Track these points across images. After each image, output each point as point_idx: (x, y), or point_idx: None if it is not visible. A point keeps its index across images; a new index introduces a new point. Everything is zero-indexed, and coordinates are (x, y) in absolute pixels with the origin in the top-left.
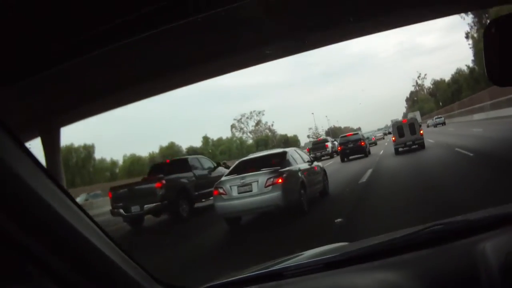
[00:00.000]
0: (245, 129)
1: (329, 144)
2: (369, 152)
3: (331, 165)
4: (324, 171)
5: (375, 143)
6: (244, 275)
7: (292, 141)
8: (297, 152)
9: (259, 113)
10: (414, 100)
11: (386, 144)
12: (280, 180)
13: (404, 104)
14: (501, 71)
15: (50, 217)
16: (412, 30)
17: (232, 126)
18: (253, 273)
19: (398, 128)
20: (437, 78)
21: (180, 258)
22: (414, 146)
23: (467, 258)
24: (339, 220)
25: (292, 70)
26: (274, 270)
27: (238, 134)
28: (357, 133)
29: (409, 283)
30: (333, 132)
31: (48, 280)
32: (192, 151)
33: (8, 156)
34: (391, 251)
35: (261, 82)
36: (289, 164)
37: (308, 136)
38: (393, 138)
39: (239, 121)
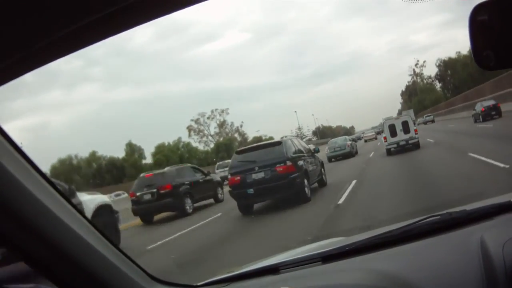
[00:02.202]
0: (205, 131)
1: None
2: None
3: None
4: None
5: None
6: (242, 271)
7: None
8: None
9: (223, 111)
10: (411, 92)
11: (378, 144)
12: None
13: (400, 100)
14: (488, 55)
15: (45, 217)
16: (404, 28)
17: (190, 129)
18: (250, 268)
19: (390, 127)
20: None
21: None
22: (408, 146)
23: (464, 247)
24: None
25: (282, 71)
26: (271, 265)
27: (196, 139)
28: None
29: (406, 273)
30: (321, 132)
31: (46, 280)
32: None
33: (1, 155)
34: (388, 243)
35: (251, 84)
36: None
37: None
38: (385, 138)
39: (196, 121)
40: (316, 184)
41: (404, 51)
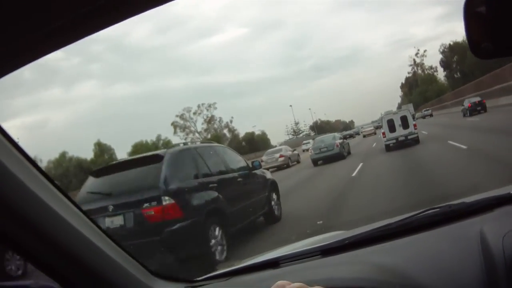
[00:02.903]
0: (192, 127)
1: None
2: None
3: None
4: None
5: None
6: (241, 265)
7: (259, 141)
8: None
9: (210, 106)
10: (412, 84)
11: (373, 145)
12: None
13: (400, 93)
14: (483, 45)
15: (45, 214)
16: (403, 20)
17: (175, 125)
18: (250, 263)
19: (389, 122)
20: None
21: None
22: (407, 142)
23: (464, 239)
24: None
25: (281, 65)
26: (271, 259)
27: (183, 136)
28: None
29: (405, 266)
30: (319, 127)
31: (48, 277)
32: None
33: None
34: (387, 236)
35: (248, 78)
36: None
37: (288, 133)
38: (383, 134)
39: (181, 117)
40: (261, 218)
41: (404, 44)
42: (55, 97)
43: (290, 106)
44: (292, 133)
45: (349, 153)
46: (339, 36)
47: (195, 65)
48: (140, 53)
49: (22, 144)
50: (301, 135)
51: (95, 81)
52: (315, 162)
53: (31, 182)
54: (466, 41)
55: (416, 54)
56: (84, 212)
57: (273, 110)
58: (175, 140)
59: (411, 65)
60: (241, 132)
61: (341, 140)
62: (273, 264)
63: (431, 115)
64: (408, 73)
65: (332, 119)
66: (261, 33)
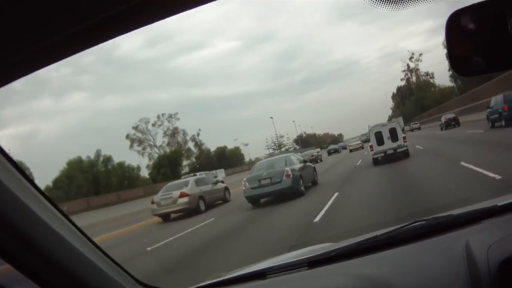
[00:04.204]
0: (151, 141)
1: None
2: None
3: None
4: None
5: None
6: (229, 276)
7: (231, 156)
8: None
9: (171, 117)
10: (404, 94)
11: (358, 162)
12: None
13: (391, 104)
14: (464, 62)
15: (31, 221)
16: (394, 34)
17: (131, 138)
18: (237, 274)
19: (377, 134)
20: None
21: None
22: (396, 155)
23: (450, 252)
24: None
25: (272, 77)
26: (258, 270)
27: (140, 151)
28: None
29: (391, 278)
30: (304, 140)
31: (33, 282)
32: None
33: None
34: (373, 248)
35: (239, 91)
36: None
37: (268, 148)
38: (371, 147)
39: (137, 129)
40: None
41: (395, 57)
42: (45, 107)
43: (271, 118)
44: (273, 147)
45: (314, 183)
46: (330, 49)
47: (185, 78)
48: (130, 65)
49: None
50: (283, 149)
51: (85, 93)
52: (252, 201)
53: (17, 189)
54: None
55: (411, 58)
56: (70, 220)
57: (258, 124)
58: (131, 155)
59: (404, 71)
60: (209, 146)
61: (298, 165)
62: (260, 275)
63: (419, 128)
64: (401, 79)
65: (321, 132)
66: (252, 46)
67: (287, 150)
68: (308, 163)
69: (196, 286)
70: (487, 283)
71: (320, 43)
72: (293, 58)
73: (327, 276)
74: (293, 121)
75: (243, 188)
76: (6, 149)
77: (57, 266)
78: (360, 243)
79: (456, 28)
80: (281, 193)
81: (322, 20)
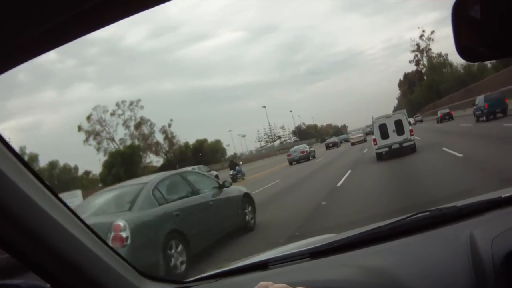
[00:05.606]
0: (109, 133)
1: None
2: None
3: None
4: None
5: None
6: (231, 267)
7: (211, 150)
8: None
9: (133, 104)
10: (411, 81)
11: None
12: None
13: (397, 93)
14: (472, 47)
15: (35, 214)
16: (400, 26)
17: (86, 132)
18: (240, 265)
19: (381, 127)
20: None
21: None
22: (402, 150)
23: (454, 243)
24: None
25: (277, 68)
26: (260, 261)
27: (96, 145)
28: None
29: (395, 269)
30: (303, 132)
31: (39, 276)
32: None
33: None
34: (377, 239)
35: (244, 81)
36: None
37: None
38: (374, 140)
39: (88, 118)
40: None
41: (400, 49)
42: (49, 99)
43: (264, 107)
44: (266, 139)
45: (248, 228)
46: (335, 40)
47: (190, 68)
48: (135, 56)
49: (14, 144)
50: (277, 141)
51: (90, 83)
52: None
53: (22, 182)
54: None
55: (421, 36)
56: (75, 214)
57: (259, 114)
58: (86, 149)
59: (413, 51)
60: (181, 139)
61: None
62: (263, 266)
63: (421, 121)
64: (410, 62)
65: (324, 123)
66: (257, 37)
67: (282, 143)
68: (225, 190)
69: (198, 276)
70: (491, 275)
71: (325, 34)
72: (298, 49)
73: (330, 267)
74: (290, 111)
75: None
76: (6, 138)
77: (62, 259)
78: (363, 234)
79: (463, 13)
80: None
81: (327, 11)
